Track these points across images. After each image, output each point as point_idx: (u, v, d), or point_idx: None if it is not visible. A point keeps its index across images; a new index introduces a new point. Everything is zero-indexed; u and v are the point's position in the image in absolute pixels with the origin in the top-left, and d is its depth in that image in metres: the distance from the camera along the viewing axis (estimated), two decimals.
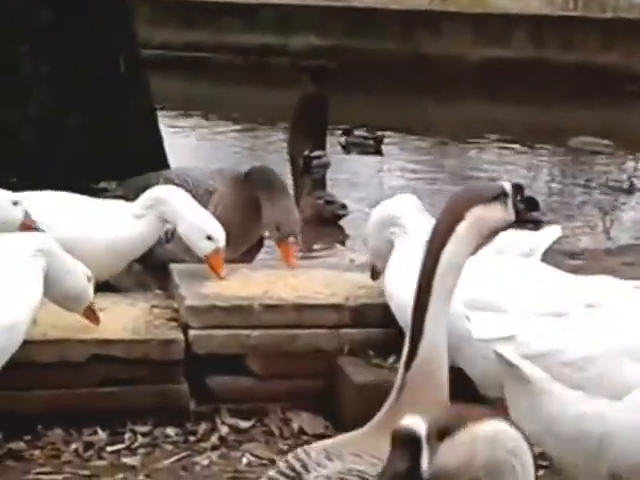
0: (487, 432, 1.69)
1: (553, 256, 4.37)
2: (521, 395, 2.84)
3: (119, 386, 3.77)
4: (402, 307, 3.77)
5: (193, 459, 3.64)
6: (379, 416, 2.14)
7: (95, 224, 4.14)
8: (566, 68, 14.70)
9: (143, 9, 12.03)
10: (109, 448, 3.66)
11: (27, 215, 3.79)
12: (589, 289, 3.43)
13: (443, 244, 2.17)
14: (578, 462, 2.82)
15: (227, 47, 15.52)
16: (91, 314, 3.70)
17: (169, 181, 4.74)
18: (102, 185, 5.01)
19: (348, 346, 3.94)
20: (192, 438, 3.76)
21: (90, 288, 3.62)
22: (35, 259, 3.45)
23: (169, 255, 4.47)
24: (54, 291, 3.56)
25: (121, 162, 5.44)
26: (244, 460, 3.64)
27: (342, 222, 7.98)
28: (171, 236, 4.42)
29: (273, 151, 10.84)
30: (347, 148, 10.94)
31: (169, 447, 3.70)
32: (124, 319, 3.85)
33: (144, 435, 3.74)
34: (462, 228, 2.18)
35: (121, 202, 4.32)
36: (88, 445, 3.66)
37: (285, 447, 3.73)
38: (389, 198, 4.17)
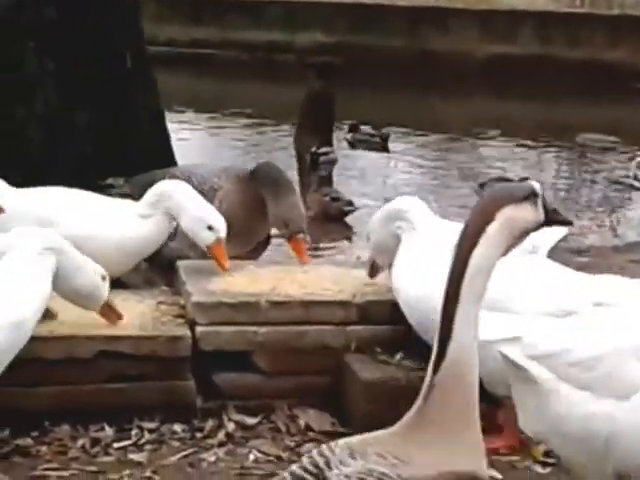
0: None
1: (560, 253, 4.36)
2: (528, 396, 2.84)
3: (126, 382, 3.78)
4: (410, 303, 3.77)
5: (200, 455, 3.64)
6: (407, 418, 2.12)
7: (104, 223, 4.15)
8: (573, 65, 14.68)
9: (149, 6, 12.02)
10: (116, 444, 3.67)
11: None
12: (597, 287, 3.43)
13: (473, 245, 2.13)
14: (585, 462, 2.81)
15: (233, 44, 15.52)
16: (109, 312, 3.70)
17: (174, 178, 4.75)
18: (109, 181, 5.01)
19: (355, 343, 3.93)
20: (199, 434, 3.76)
21: (103, 286, 3.62)
22: (44, 257, 3.46)
23: (173, 252, 4.48)
24: (66, 289, 3.57)
25: (128, 159, 5.44)
26: (251, 456, 3.65)
27: (348, 219, 7.99)
28: (174, 234, 4.42)
29: (279, 148, 10.84)
30: (354, 145, 10.94)
31: (176, 443, 3.71)
32: (131, 315, 3.86)
33: (151, 431, 3.74)
34: (493, 229, 2.14)
35: (129, 201, 4.33)
36: (95, 441, 3.67)
37: (292, 444, 3.73)
38: (396, 195, 4.17)
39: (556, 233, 4.07)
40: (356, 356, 3.90)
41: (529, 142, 11.46)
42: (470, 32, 15.49)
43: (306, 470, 2.03)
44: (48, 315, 3.65)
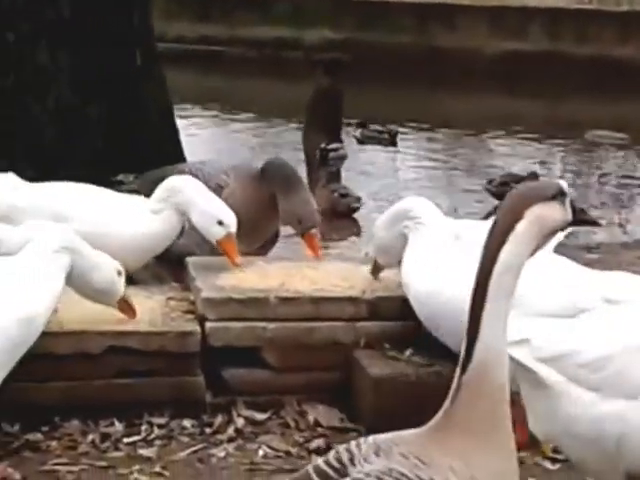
0: None
1: (569, 250, 4.36)
2: (538, 398, 2.83)
3: (136, 378, 3.78)
4: (420, 299, 3.77)
5: (209, 451, 3.65)
6: (435, 419, 2.10)
7: (117, 219, 4.17)
8: (581, 61, 14.65)
9: (158, 2, 12.01)
10: (125, 439, 3.67)
11: None
12: (607, 284, 3.43)
13: (501, 243, 2.09)
14: (596, 463, 2.81)
15: (241, 40, 15.53)
16: (126, 307, 3.72)
17: (182, 174, 4.75)
18: (119, 178, 5.03)
19: (364, 339, 3.93)
20: (208, 430, 3.77)
21: (119, 282, 3.64)
22: (59, 255, 3.47)
23: (181, 249, 4.48)
24: (83, 287, 3.59)
25: (138, 154, 5.45)
26: (260, 452, 3.65)
27: (357, 215, 7.99)
28: (182, 231, 4.43)
29: (287, 144, 10.84)
30: (362, 141, 10.94)
31: (185, 439, 3.71)
32: (141, 311, 3.86)
33: (160, 427, 3.75)
34: (522, 227, 2.11)
35: (140, 197, 4.35)
36: (105, 436, 3.68)
37: (301, 439, 3.73)
38: (404, 191, 4.18)
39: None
40: (365, 352, 3.90)
41: (538, 139, 11.44)
42: (479, 28, 15.47)
43: (330, 465, 2.02)
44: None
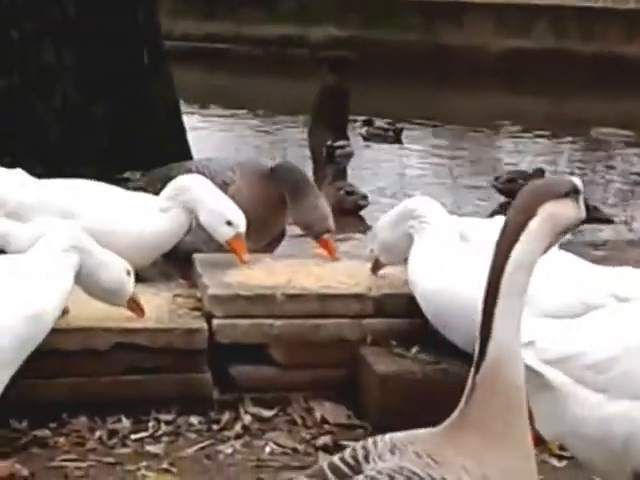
0: None
1: (575, 247, 4.36)
2: (544, 400, 2.83)
3: (143, 374, 3.79)
4: (426, 296, 3.78)
5: (216, 448, 3.66)
6: (451, 418, 2.10)
7: (125, 217, 4.18)
8: (587, 59, 14.64)
9: (164, 1, 12.05)
10: (133, 436, 3.68)
11: None
12: (614, 280, 3.43)
13: (514, 241, 2.08)
14: (604, 463, 2.81)
15: (247, 38, 15.54)
16: (135, 306, 3.72)
17: (189, 172, 4.76)
18: (126, 175, 5.03)
19: (371, 336, 3.94)
20: (215, 427, 3.77)
21: (128, 282, 3.64)
22: (68, 254, 3.48)
23: (188, 246, 4.49)
24: (91, 286, 3.60)
25: (144, 152, 5.46)
26: (267, 449, 3.66)
27: (363, 212, 7.99)
28: (188, 228, 4.44)
29: (293, 142, 10.85)
30: (368, 139, 10.95)
31: (192, 435, 3.72)
32: (148, 308, 3.87)
33: (168, 423, 3.76)
34: (534, 224, 2.09)
35: (149, 195, 4.36)
36: (112, 433, 3.69)
37: (308, 436, 3.74)
38: (409, 188, 4.19)
39: None
40: (372, 349, 3.91)
41: (543, 136, 11.44)
42: (485, 26, 15.46)
43: (345, 462, 2.03)
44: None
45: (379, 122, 11.02)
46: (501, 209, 7.96)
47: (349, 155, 9.80)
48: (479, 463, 2.01)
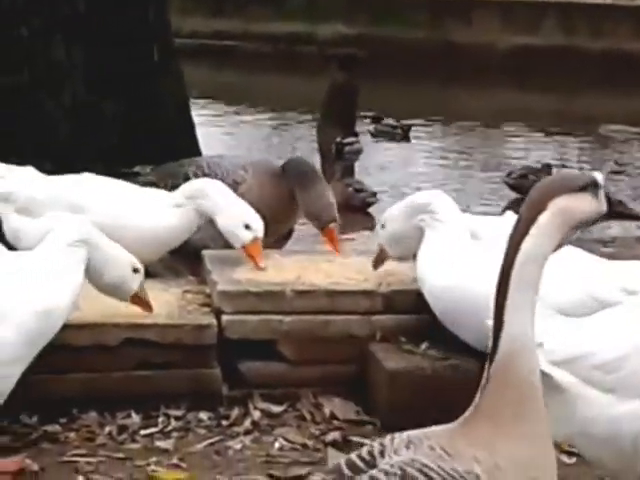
0: None
1: (583, 243, 4.36)
2: (552, 400, 2.82)
3: (152, 370, 3.80)
4: (435, 293, 3.78)
5: (226, 443, 3.66)
6: (466, 412, 2.11)
7: (135, 212, 4.19)
8: (596, 56, 14.62)
9: None
10: (143, 432, 3.70)
11: None
12: (625, 274, 3.43)
13: (524, 235, 2.09)
14: (613, 463, 2.81)
15: (255, 35, 15.55)
16: (139, 301, 3.72)
17: (200, 169, 4.77)
18: (136, 169, 5.04)
19: (380, 332, 3.94)
20: (225, 422, 3.78)
21: (133, 279, 3.64)
22: (76, 249, 3.49)
23: (196, 242, 4.50)
24: (96, 281, 3.60)
25: (154, 148, 5.47)
26: (276, 444, 3.67)
27: (371, 209, 8.00)
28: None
29: (302, 139, 10.86)
30: (376, 136, 10.95)
31: (202, 431, 3.73)
32: (157, 304, 3.88)
33: (177, 419, 3.77)
34: (544, 218, 2.10)
35: (161, 191, 4.37)
36: (122, 428, 3.70)
37: (317, 432, 3.75)
38: (418, 186, 4.18)
39: None
40: (381, 345, 3.91)
41: (552, 133, 11.43)
42: (493, 23, 15.45)
43: (361, 458, 2.05)
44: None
45: (387, 119, 11.03)
46: (512, 206, 7.96)
47: (358, 152, 9.81)
48: (491, 453, 2.02)
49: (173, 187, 4.41)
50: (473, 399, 2.14)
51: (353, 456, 2.07)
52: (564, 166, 9.70)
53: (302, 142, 10.67)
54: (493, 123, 11.88)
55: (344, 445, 3.65)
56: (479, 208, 7.80)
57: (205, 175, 4.63)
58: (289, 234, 5.20)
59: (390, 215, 3.99)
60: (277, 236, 4.88)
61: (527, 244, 2.09)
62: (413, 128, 11.09)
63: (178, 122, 6.15)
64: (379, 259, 4.05)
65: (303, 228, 5.31)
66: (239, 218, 4.14)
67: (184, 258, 4.66)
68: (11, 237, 4.20)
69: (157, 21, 6.13)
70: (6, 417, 3.59)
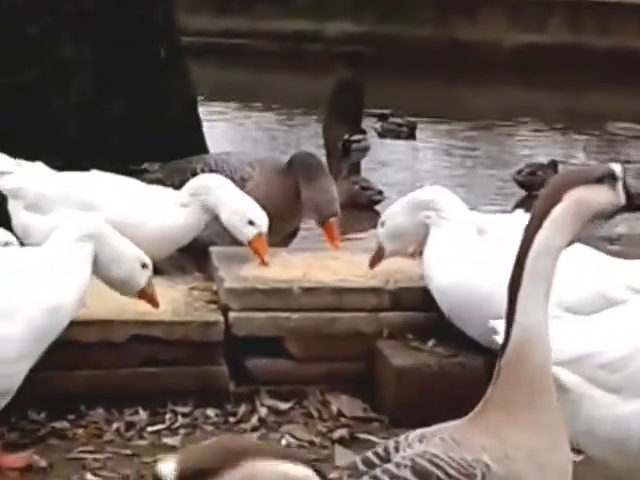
0: (252, 476, 1.58)
1: (590, 241, 4.35)
2: (558, 401, 2.83)
3: (160, 367, 3.81)
4: (442, 289, 3.78)
5: None
6: (478, 405, 2.12)
7: (143, 210, 4.20)
8: (603, 53, 14.60)
9: None
10: (150, 428, 3.70)
11: None
12: (632, 273, 3.42)
13: (538, 227, 2.09)
14: (620, 462, 2.80)
15: (262, 33, 15.54)
16: (146, 296, 3.72)
17: (207, 166, 4.78)
18: (144, 166, 5.05)
19: (387, 329, 3.94)
20: (232, 419, 3.79)
21: (141, 275, 3.63)
22: (83, 244, 3.49)
23: (203, 240, 4.50)
24: (104, 275, 3.61)
25: (161, 147, 5.47)
26: (283, 441, 3.67)
27: (377, 207, 7.99)
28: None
29: (308, 137, 10.86)
30: (382, 134, 10.95)
31: (209, 428, 3.74)
32: (164, 301, 3.88)
33: (184, 416, 3.77)
34: (557, 210, 2.09)
35: (168, 189, 4.38)
36: (129, 425, 3.70)
37: (324, 429, 3.75)
38: (424, 183, 4.17)
39: None
40: (388, 342, 3.92)
41: (559, 131, 11.41)
42: (499, 21, 15.43)
43: (376, 454, 2.06)
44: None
45: (393, 117, 11.02)
46: (522, 204, 7.96)
47: (365, 149, 9.81)
48: (501, 442, 2.03)
49: (180, 184, 4.41)
50: (480, 396, 2.14)
51: (369, 453, 2.09)
52: (571, 164, 9.68)
53: (308, 140, 10.67)
54: (500, 121, 11.87)
55: (351, 442, 3.66)
56: (486, 206, 7.79)
57: (212, 172, 4.64)
58: (295, 232, 5.20)
59: (391, 211, 3.99)
60: (283, 234, 4.88)
61: (541, 236, 2.09)
62: (419, 126, 11.08)
63: (185, 120, 6.15)
64: (377, 257, 4.03)
65: (309, 227, 5.32)
66: (243, 214, 4.15)
67: (191, 255, 4.67)
68: (20, 233, 4.21)
69: (164, 19, 6.13)
70: (14, 413, 3.60)
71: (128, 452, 3.57)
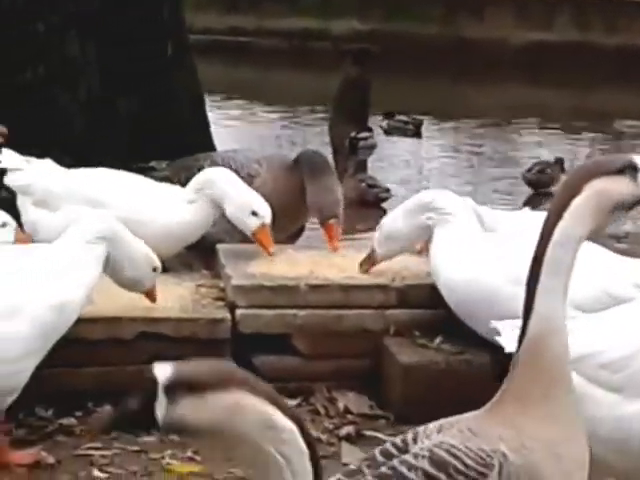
0: (239, 405, 1.57)
1: (597, 239, 4.35)
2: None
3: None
4: (450, 285, 3.78)
5: None
6: (495, 396, 2.12)
7: (151, 207, 4.21)
8: (611, 51, 14.58)
9: None
10: None
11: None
12: (638, 271, 3.43)
13: (558, 219, 2.06)
14: (621, 463, 2.80)
15: (269, 31, 15.56)
16: (147, 293, 3.74)
17: (214, 163, 4.78)
18: (151, 164, 5.06)
19: (394, 326, 3.95)
20: None
21: (149, 278, 3.66)
22: (95, 245, 3.50)
23: (210, 237, 4.51)
24: (115, 275, 3.62)
25: (168, 144, 5.48)
26: None
27: (383, 205, 8.00)
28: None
29: (315, 134, 10.86)
30: (388, 131, 10.95)
31: None
32: (171, 298, 3.89)
33: None
34: (577, 202, 2.06)
35: (176, 186, 4.39)
36: None
37: (331, 426, 3.75)
38: (430, 181, 4.17)
39: None
40: (395, 340, 3.92)
41: (566, 128, 11.40)
42: (506, 19, 15.42)
43: (394, 445, 2.07)
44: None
45: (400, 115, 11.02)
46: (530, 202, 7.95)
47: (372, 147, 9.81)
48: (518, 433, 2.02)
49: (187, 182, 4.42)
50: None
51: (387, 444, 2.09)
52: (576, 162, 9.67)
53: (315, 137, 10.67)
54: (506, 119, 11.86)
55: (358, 439, 3.66)
56: (492, 203, 7.79)
57: None
58: (301, 230, 5.20)
59: (390, 216, 3.99)
60: (289, 232, 4.88)
61: (561, 227, 2.06)
62: (425, 124, 11.08)
63: (193, 117, 6.16)
64: (367, 261, 4.01)
65: (316, 224, 5.32)
66: (246, 205, 4.16)
67: (198, 252, 4.67)
68: (29, 229, 4.22)
69: (171, 17, 6.14)
70: (22, 410, 3.61)
71: (135, 448, 3.57)
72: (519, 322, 2.93)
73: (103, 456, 3.51)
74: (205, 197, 4.24)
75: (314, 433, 3.69)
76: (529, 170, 8.61)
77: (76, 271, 3.45)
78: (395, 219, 3.95)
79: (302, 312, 3.92)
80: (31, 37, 5.67)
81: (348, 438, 3.68)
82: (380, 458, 2.04)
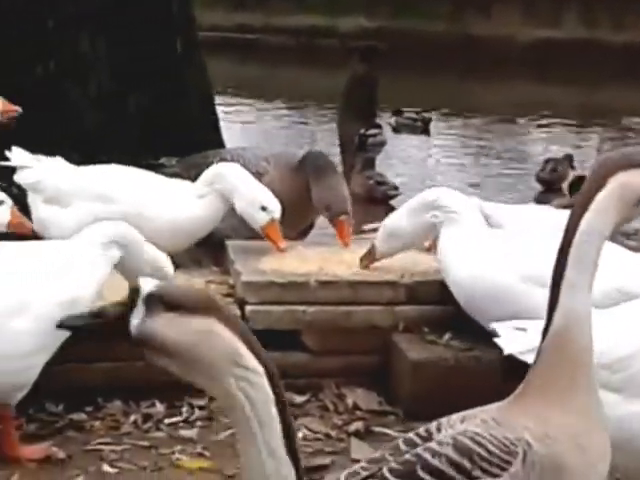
0: (211, 332, 1.57)
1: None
2: None
3: None
4: (459, 282, 3.78)
5: None
6: (519, 387, 2.13)
7: (160, 202, 4.22)
8: (618, 49, 14.56)
9: None
10: (167, 420, 3.72)
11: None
12: None
13: (583, 212, 2.08)
14: (623, 463, 2.80)
15: (277, 29, 15.58)
16: None
17: (223, 160, 4.79)
18: (161, 161, 5.07)
19: (403, 323, 3.95)
20: None
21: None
22: (108, 247, 3.51)
23: (219, 233, 4.52)
24: (127, 277, 3.62)
25: (178, 140, 5.49)
26: (299, 434, 3.67)
27: (392, 202, 8.00)
28: None
29: (322, 131, 10.87)
30: (396, 129, 10.96)
31: (226, 420, 3.74)
32: None
33: (201, 408, 3.79)
34: (602, 195, 2.07)
35: (185, 182, 4.40)
36: (147, 417, 3.72)
37: (339, 422, 3.76)
38: (438, 178, 4.17)
39: None
40: (404, 336, 3.92)
41: (574, 125, 11.40)
42: (513, 16, 15.41)
43: (418, 435, 2.08)
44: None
45: (408, 112, 11.03)
46: (539, 199, 7.95)
47: (381, 143, 9.82)
48: (543, 423, 2.03)
49: (197, 178, 4.43)
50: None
51: (411, 434, 2.11)
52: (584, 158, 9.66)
53: (322, 134, 10.68)
54: (514, 116, 11.86)
55: (366, 435, 3.67)
56: (500, 200, 7.78)
57: None
58: (310, 228, 5.20)
59: (395, 214, 4.00)
60: (298, 229, 4.89)
61: (585, 221, 2.07)
62: (433, 121, 11.08)
63: (202, 115, 6.17)
64: (367, 258, 4.02)
65: (325, 222, 5.32)
66: (256, 200, 4.18)
67: (208, 248, 4.68)
68: (39, 226, 4.24)
69: (181, 14, 6.15)
70: (32, 406, 3.62)
71: (145, 444, 3.58)
72: (519, 323, 2.95)
73: (113, 451, 3.53)
74: (215, 192, 4.25)
75: (323, 429, 3.70)
76: (542, 169, 8.59)
77: (86, 268, 3.46)
78: (399, 217, 3.96)
79: (311, 308, 3.92)
80: (42, 33, 5.68)
81: (357, 434, 3.68)
82: (404, 447, 2.05)
